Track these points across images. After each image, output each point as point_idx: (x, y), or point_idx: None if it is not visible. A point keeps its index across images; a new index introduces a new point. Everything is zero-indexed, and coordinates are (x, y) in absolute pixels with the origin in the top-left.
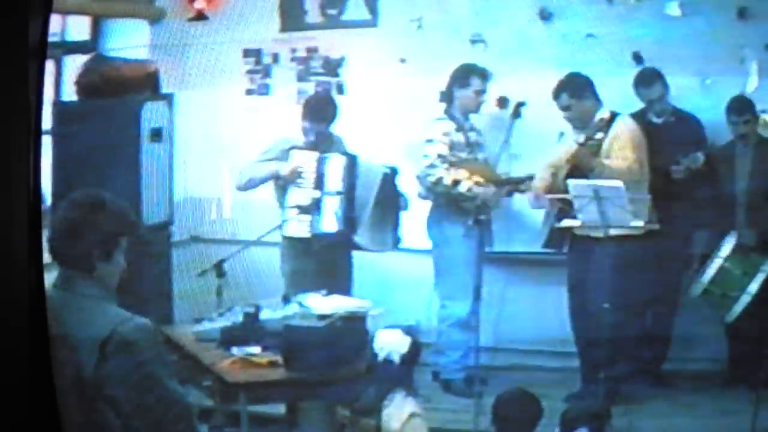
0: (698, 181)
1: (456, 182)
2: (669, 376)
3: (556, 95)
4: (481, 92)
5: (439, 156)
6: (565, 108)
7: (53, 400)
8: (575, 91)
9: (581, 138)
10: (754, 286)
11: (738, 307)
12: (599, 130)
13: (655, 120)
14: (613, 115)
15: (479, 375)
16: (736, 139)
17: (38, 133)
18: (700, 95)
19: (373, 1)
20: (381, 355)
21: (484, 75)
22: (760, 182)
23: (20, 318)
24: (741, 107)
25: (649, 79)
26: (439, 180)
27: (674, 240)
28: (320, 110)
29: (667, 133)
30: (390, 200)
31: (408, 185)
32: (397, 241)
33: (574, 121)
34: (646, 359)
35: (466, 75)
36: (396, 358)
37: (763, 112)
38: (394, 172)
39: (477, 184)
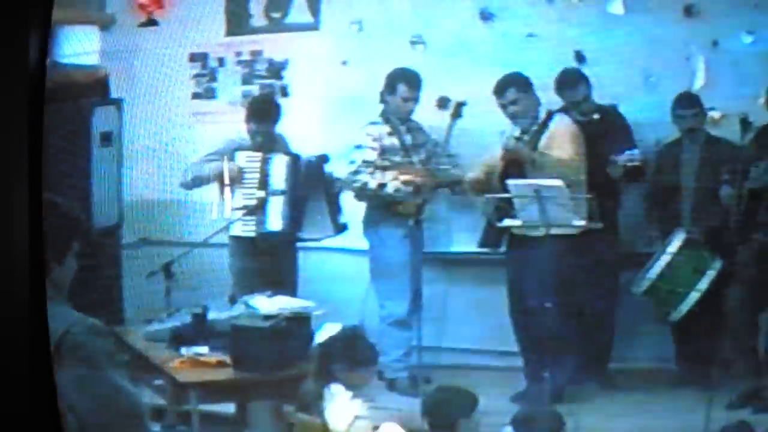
0: (638, 178)
1: (381, 185)
2: (614, 375)
3: (502, 90)
4: (409, 99)
5: (365, 162)
6: (512, 102)
7: (53, 399)
8: (521, 86)
9: (516, 133)
10: (703, 284)
11: (686, 305)
12: (538, 125)
13: (580, 118)
14: (551, 114)
15: (422, 374)
16: (684, 135)
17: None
18: (644, 93)
19: (315, 4)
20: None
21: (411, 81)
22: (707, 179)
23: (20, 316)
24: (688, 101)
25: (572, 81)
26: (364, 185)
27: (616, 238)
28: (264, 112)
29: (594, 130)
30: (321, 186)
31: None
32: (342, 227)
33: (519, 116)
34: (591, 358)
35: (393, 81)
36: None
37: (712, 109)
38: (324, 158)
39: (405, 183)
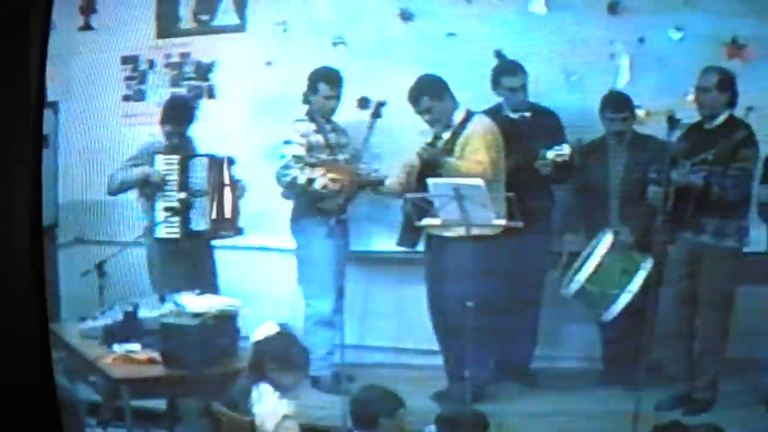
0: (565, 176)
1: (311, 181)
2: (536, 374)
3: (416, 99)
4: (331, 97)
5: (295, 157)
6: (426, 110)
7: (53, 396)
8: (435, 92)
9: (429, 137)
10: (634, 284)
11: (617, 306)
12: (455, 127)
13: (511, 115)
14: (470, 114)
15: (346, 372)
16: (609, 135)
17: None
18: (566, 91)
19: (242, 6)
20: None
21: (331, 80)
22: (635, 178)
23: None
24: (617, 104)
25: (511, 68)
26: (294, 180)
27: (540, 237)
28: (177, 113)
29: (524, 128)
30: (224, 187)
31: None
32: (239, 230)
33: (435, 122)
34: (512, 358)
35: (314, 81)
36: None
37: (638, 107)
38: (230, 161)
39: (333, 181)
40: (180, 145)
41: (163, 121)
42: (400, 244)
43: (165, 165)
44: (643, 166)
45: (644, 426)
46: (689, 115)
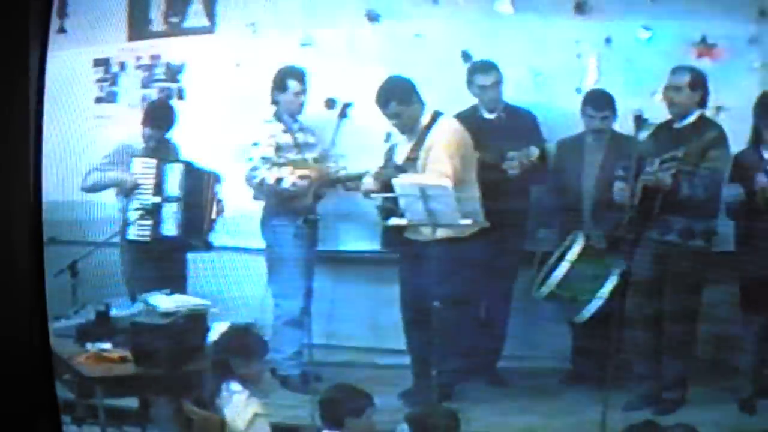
0: (539, 177)
1: (279, 180)
2: (505, 374)
3: (384, 103)
4: (301, 93)
5: (263, 158)
6: (394, 115)
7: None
8: (403, 96)
9: (382, 160)
10: (605, 290)
11: (588, 311)
12: (419, 134)
13: (487, 116)
14: (436, 116)
15: (314, 371)
16: (588, 133)
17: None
18: (533, 92)
19: (211, 7)
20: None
21: (299, 76)
22: (609, 178)
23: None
24: (599, 102)
25: (484, 66)
26: (262, 181)
27: (510, 237)
28: (160, 116)
29: (500, 128)
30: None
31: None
32: (209, 245)
33: (403, 127)
34: (480, 357)
35: (283, 78)
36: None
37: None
38: (216, 177)
39: (301, 177)
40: (158, 148)
41: (145, 123)
42: (383, 245)
43: (142, 168)
44: (614, 165)
45: (613, 425)
46: (659, 113)
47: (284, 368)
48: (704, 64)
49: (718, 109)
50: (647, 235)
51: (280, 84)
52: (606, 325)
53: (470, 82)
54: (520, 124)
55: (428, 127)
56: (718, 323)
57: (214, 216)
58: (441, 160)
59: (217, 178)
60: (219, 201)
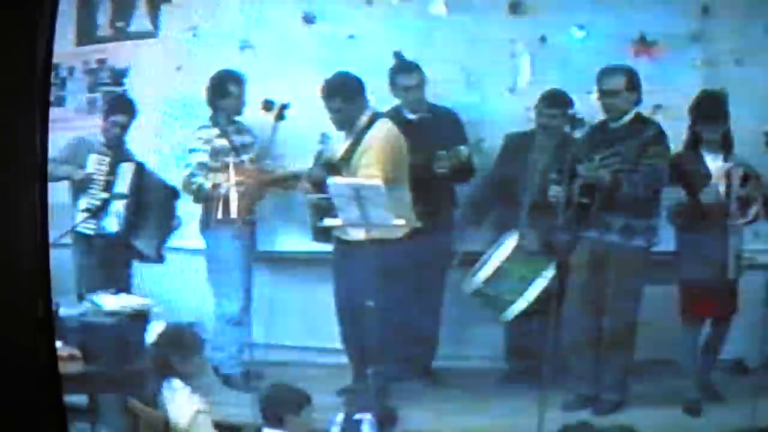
0: (467, 177)
1: (216, 186)
2: (441, 373)
3: (330, 96)
4: (239, 96)
5: (200, 164)
6: (336, 110)
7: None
8: (349, 94)
9: (337, 136)
10: (531, 292)
11: (512, 312)
12: (356, 134)
13: (410, 116)
14: (374, 117)
15: (255, 370)
16: (539, 130)
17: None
18: (466, 92)
19: (154, 12)
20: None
21: (238, 79)
22: (549, 181)
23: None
24: (552, 99)
25: (406, 67)
26: (200, 187)
27: (442, 236)
28: (122, 108)
29: (424, 129)
30: (162, 211)
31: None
32: (161, 257)
33: (341, 124)
34: (415, 357)
35: (222, 82)
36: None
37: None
38: (176, 193)
39: (238, 183)
40: (113, 145)
41: (107, 113)
42: (315, 239)
43: (96, 165)
44: (553, 165)
45: (551, 426)
46: (594, 113)
47: (226, 367)
48: (642, 63)
49: (657, 107)
50: (585, 235)
51: (219, 88)
52: (540, 325)
53: (393, 84)
54: (443, 124)
55: (366, 127)
56: (659, 324)
57: (169, 230)
58: (372, 165)
59: (176, 194)
60: (176, 218)
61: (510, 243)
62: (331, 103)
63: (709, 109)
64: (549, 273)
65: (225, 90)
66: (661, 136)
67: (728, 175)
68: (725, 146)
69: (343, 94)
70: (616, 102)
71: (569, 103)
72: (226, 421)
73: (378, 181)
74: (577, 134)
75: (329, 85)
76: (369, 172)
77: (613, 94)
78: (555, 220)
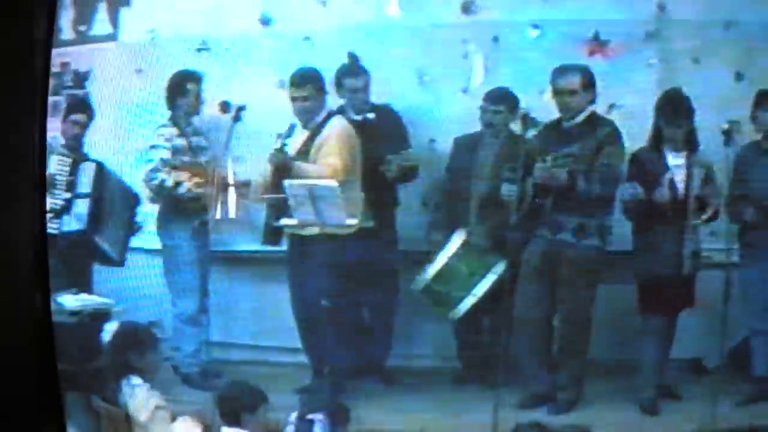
0: (411, 177)
1: (177, 184)
2: (394, 372)
3: (301, 83)
4: (197, 94)
5: (162, 160)
6: (303, 98)
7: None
8: (318, 84)
9: (278, 144)
10: (481, 288)
11: (461, 308)
12: (313, 130)
13: (354, 117)
14: (330, 115)
15: (213, 368)
16: (484, 128)
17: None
18: (418, 93)
19: (115, 16)
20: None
21: (195, 78)
22: (499, 180)
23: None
24: (493, 95)
25: (353, 70)
26: (162, 183)
27: (394, 237)
28: (81, 109)
29: (368, 129)
30: (124, 215)
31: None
32: (122, 262)
33: (303, 113)
34: (369, 355)
35: (180, 81)
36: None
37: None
38: (136, 199)
39: (197, 185)
40: (76, 145)
41: (67, 115)
42: (264, 242)
43: (57, 165)
44: (504, 164)
45: (505, 425)
46: (547, 112)
47: (185, 365)
48: (596, 62)
49: (611, 106)
50: (538, 234)
51: (178, 88)
52: (491, 324)
53: (339, 85)
54: (385, 125)
55: (322, 124)
56: (615, 322)
57: (131, 230)
58: (332, 154)
59: (137, 201)
60: (137, 223)
61: (458, 239)
62: (301, 92)
63: (673, 108)
64: (499, 269)
65: (183, 89)
66: (616, 135)
67: (689, 173)
68: (689, 145)
69: (313, 83)
70: (571, 101)
71: (513, 99)
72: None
73: (333, 180)
74: (530, 133)
75: (301, 74)
76: (328, 161)
77: (568, 93)
78: (505, 217)
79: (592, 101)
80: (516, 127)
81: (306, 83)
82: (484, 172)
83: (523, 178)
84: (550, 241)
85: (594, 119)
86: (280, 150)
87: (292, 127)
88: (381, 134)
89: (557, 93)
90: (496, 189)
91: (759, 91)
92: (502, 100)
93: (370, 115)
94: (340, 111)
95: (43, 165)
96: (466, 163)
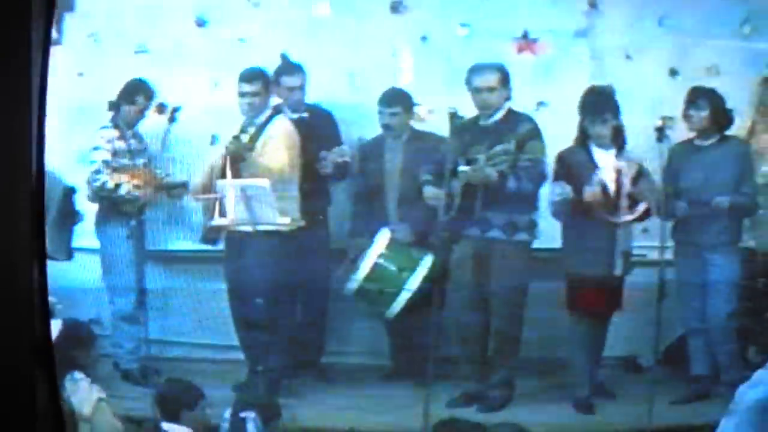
0: (343, 175)
1: (117, 185)
2: (328, 369)
3: (252, 79)
4: (144, 108)
5: (104, 162)
6: (252, 94)
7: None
8: (265, 82)
9: (235, 131)
10: (413, 282)
11: (398, 304)
12: (257, 127)
13: (290, 116)
14: (273, 114)
15: (152, 365)
16: (384, 131)
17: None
18: (348, 92)
19: (58, 19)
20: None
21: (147, 94)
22: (412, 176)
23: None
24: (389, 98)
25: (290, 68)
26: (103, 184)
27: (322, 235)
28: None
29: (304, 129)
30: (67, 214)
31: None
32: (70, 253)
33: (250, 109)
34: (303, 353)
35: (132, 92)
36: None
37: (418, 104)
38: (73, 190)
39: (135, 187)
40: None
41: None
42: (201, 241)
43: None
44: (419, 164)
45: (436, 423)
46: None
47: (124, 362)
48: (525, 59)
49: (540, 104)
50: (467, 233)
51: (128, 96)
52: (421, 322)
53: (277, 84)
54: (320, 124)
55: (265, 123)
56: (547, 321)
57: (71, 230)
58: (278, 150)
59: (73, 190)
60: (77, 212)
61: (383, 238)
62: (250, 86)
63: (597, 104)
64: (427, 262)
65: (132, 98)
66: (535, 129)
67: (618, 171)
68: (617, 142)
69: (262, 81)
70: (490, 98)
71: (408, 99)
72: (127, 416)
73: (265, 180)
74: (455, 132)
75: (250, 71)
76: (276, 156)
77: (486, 91)
78: (426, 213)
79: (509, 98)
80: (420, 125)
81: (256, 79)
82: (394, 174)
83: (451, 177)
84: (479, 239)
85: (512, 116)
86: (237, 138)
87: (214, 138)
88: (316, 133)
89: (475, 91)
90: (409, 189)
91: (690, 89)
92: (397, 101)
93: (306, 114)
94: (278, 110)
95: (41, 165)
96: (375, 166)
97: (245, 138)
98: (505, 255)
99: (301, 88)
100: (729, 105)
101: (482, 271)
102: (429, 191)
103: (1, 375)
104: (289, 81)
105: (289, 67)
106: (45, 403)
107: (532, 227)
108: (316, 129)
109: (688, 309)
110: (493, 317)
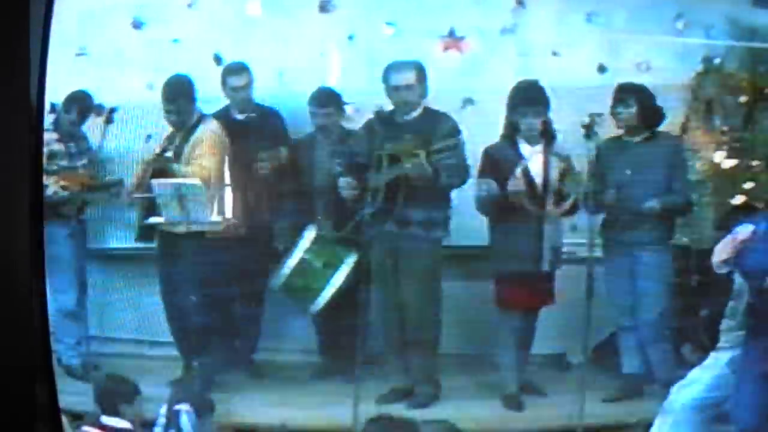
0: (282, 175)
1: (55, 188)
2: (261, 366)
3: (172, 98)
4: (77, 122)
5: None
6: (174, 111)
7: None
8: (187, 93)
9: (158, 149)
10: (337, 278)
11: (322, 299)
12: (185, 132)
13: (238, 117)
14: (200, 118)
15: (92, 361)
16: (316, 131)
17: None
18: (279, 91)
19: None
20: None
21: (83, 103)
22: (334, 173)
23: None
24: (320, 98)
25: (236, 68)
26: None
27: (259, 234)
28: None
29: (250, 129)
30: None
31: None
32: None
33: (177, 123)
34: (237, 349)
35: (71, 104)
36: None
37: (348, 104)
38: None
39: (64, 188)
40: None
41: None
42: (137, 240)
43: None
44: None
45: (366, 419)
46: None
47: (66, 358)
48: (452, 57)
49: (467, 101)
50: (386, 230)
51: (70, 104)
52: (347, 318)
53: (224, 84)
54: (269, 124)
55: (194, 127)
56: (474, 317)
57: None
58: (204, 156)
59: None
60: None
61: (309, 234)
62: (171, 105)
63: (528, 96)
64: (351, 259)
65: (72, 107)
66: (453, 125)
67: (546, 166)
68: (545, 136)
69: (183, 94)
70: (408, 96)
71: (338, 98)
72: (70, 411)
73: (200, 180)
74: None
75: (171, 88)
76: (202, 162)
77: (404, 89)
78: (350, 211)
79: (425, 95)
80: (348, 123)
81: (177, 96)
82: (322, 171)
83: (375, 173)
84: (396, 235)
85: (429, 113)
86: (161, 155)
87: (148, 138)
88: (261, 134)
89: (393, 89)
90: (335, 186)
91: (618, 86)
92: (328, 101)
93: (254, 114)
94: (226, 111)
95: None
96: (305, 164)
97: (170, 153)
98: (422, 251)
99: (247, 87)
100: (660, 101)
101: (400, 267)
102: (342, 182)
103: (1, 375)
104: (234, 81)
105: (235, 67)
106: (45, 403)
107: (446, 224)
108: (263, 129)
109: (618, 307)
110: (409, 312)
